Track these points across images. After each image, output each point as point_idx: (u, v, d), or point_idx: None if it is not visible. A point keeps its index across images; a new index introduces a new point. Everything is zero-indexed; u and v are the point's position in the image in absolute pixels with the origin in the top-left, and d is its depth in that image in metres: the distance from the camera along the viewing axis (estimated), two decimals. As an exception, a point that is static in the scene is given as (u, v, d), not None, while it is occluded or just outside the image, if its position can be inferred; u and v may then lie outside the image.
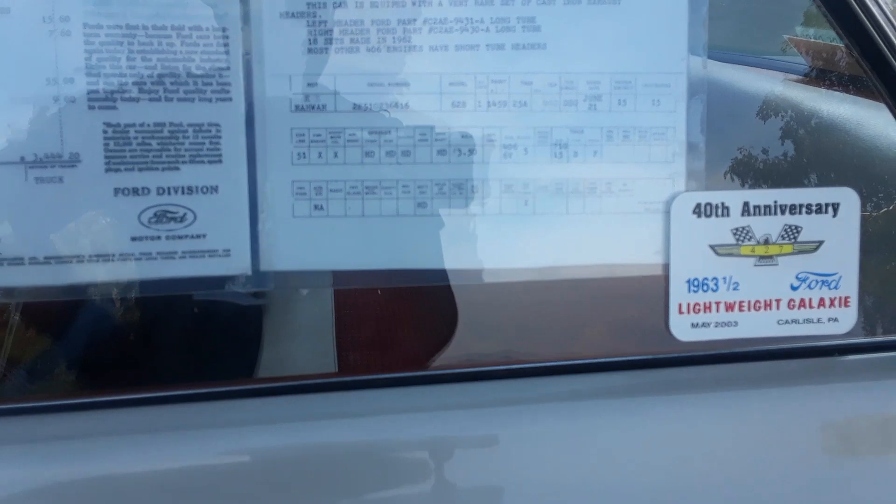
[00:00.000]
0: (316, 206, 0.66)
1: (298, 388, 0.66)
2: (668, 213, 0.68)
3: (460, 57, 0.65)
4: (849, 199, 0.69)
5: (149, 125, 0.63)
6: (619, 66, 0.66)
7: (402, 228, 0.66)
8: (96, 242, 0.63)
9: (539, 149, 0.67)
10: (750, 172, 0.72)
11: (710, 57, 0.67)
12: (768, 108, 0.78)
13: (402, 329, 0.83)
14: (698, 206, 0.68)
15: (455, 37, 0.65)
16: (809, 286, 0.70)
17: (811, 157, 0.71)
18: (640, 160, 0.67)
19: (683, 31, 0.66)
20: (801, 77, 0.97)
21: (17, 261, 0.62)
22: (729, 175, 0.72)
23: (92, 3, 0.61)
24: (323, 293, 0.77)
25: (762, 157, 0.74)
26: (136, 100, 0.62)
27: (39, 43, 0.60)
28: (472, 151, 0.66)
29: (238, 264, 0.65)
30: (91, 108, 0.62)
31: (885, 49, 0.67)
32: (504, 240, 0.67)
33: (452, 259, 0.67)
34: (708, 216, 0.68)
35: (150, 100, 0.62)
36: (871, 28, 0.66)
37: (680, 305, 0.69)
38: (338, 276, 0.67)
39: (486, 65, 0.65)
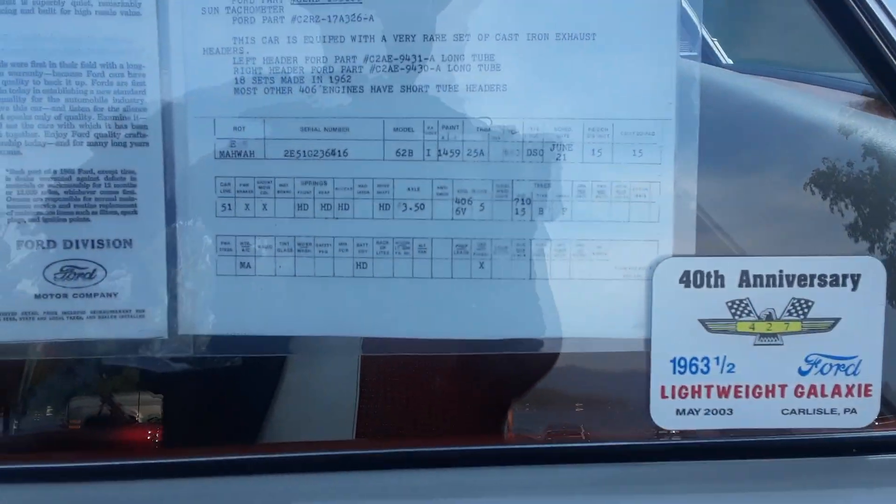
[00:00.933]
0: (242, 264, 0.58)
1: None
2: (650, 280, 0.58)
3: (407, 99, 0.57)
4: (873, 269, 0.58)
5: (56, 172, 0.56)
6: (592, 110, 0.57)
7: (339, 291, 0.58)
8: (-3, 300, 0.57)
9: (498, 204, 0.57)
10: (750, 234, 0.61)
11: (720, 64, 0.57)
12: (782, 149, 0.66)
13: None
14: (687, 273, 0.58)
15: (401, 76, 0.56)
16: (822, 371, 0.59)
17: (828, 216, 0.60)
18: (617, 219, 0.58)
19: (671, 70, 0.56)
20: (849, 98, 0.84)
21: (-89, 319, 0.57)
22: (724, 237, 0.61)
23: (-6, 38, 0.55)
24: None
25: (766, 216, 0.63)
26: (42, 144, 0.56)
27: (-65, 81, 0.55)
28: (419, 206, 0.58)
29: (153, 327, 0.58)
30: (-8, 153, 0.56)
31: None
32: (456, 308, 0.58)
33: (394, 327, 0.59)
34: (698, 286, 0.58)
35: (58, 144, 0.56)
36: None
37: (663, 388, 0.59)
38: (265, 342, 0.59)
39: (436, 108, 0.57)
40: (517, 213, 0.58)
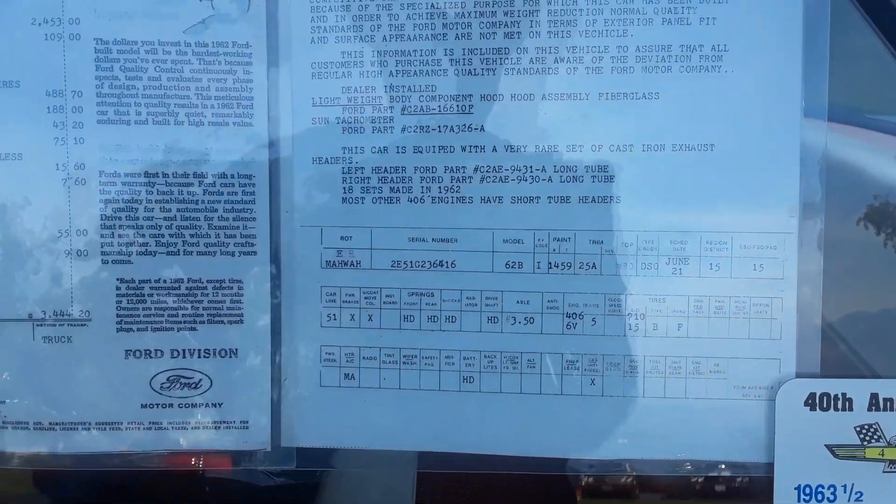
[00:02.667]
0: (346, 375, 0.57)
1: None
2: (772, 402, 0.55)
3: (517, 210, 0.55)
4: None
5: (165, 281, 0.56)
6: (711, 223, 0.54)
7: (445, 405, 0.57)
8: (104, 409, 0.57)
9: (610, 319, 0.55)
10: (881, 353, 0.58)
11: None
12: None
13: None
14: (812, 396, 0.55)
15: (511, 187, 0.55)
16: (959, 501, 0.54)
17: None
18: (737, 336, 0.55)
19: (794, 181, 0.54)
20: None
21: (21, 425, 0.57)
22: (852, 356, 0.58)
23: (109, 150, 0.55)
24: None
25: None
26: (153, 254, 0.56)
27: (52, 191, 0.56)
28: (529, 320, 0.56)
29: (256, 438, 0.57)
30: (104, 262, 0.56)
31: None
32: (566, 426, 0.56)
33: (500, 443, 0.57)
34: (825, 409, 0.55)
35: (168, 253, 0.56)
36: None
37: (786, 517, 0.55)
38: (370, 456, 0.58)
39: (547, 220, 0.55)
40: (630, 329, 0.55)
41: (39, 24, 0.55)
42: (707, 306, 0.55)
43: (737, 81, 0.53)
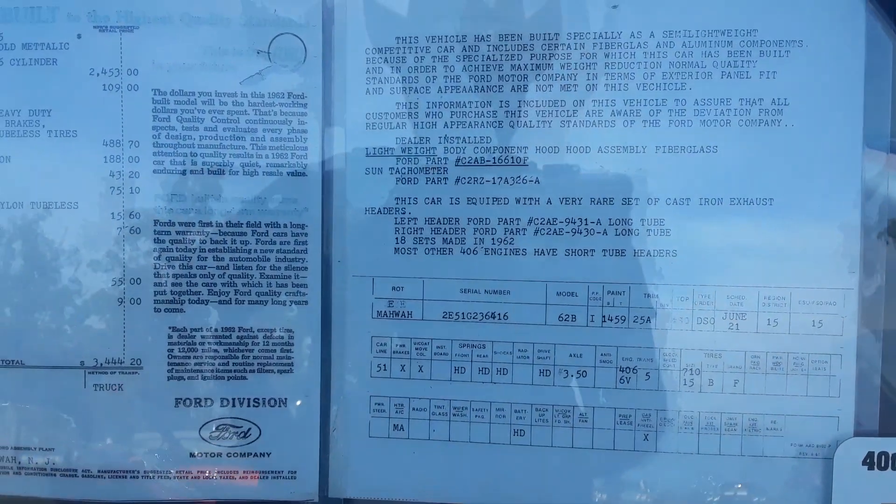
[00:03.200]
0: (395, 426, 0.57)
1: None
2: (830, 460, 0.54)
3: (571, 263, 0.55)
4: None
5: (217, 330, 0.56)
6: (769, 278, 0.54)
7: (495, 458, 0.56)
8: (154, 457, 0.57)
9: (665, 374, 0.55)
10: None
11: None
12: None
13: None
14: (871, 455, 0.53)
15: (566, 239, 0.55)
16: None
17: None
18: (794, 393, 0.54)
19: (855, 236, 0.53)
20: None
21: (69, 473, 0.57)
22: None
23: (164, 199, 0.56)
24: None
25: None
26: (205, 302, 0.56)
27: (107, 240, 0.56)
28: (581, 373, 0.55)
29: (304, 489, 0.57)
30: (157, 310, 0.56)
31: None
32: (618, 481, 0.55)
33: (552, 498, 0.56)
34: (883, 468, 0.53)
35: (220, 302, 0.56)
36: None
37: (845, 578, 0.54)
38: (417, 509, 0.57)
39: (601, 273, 0.55)
40: (685, 384, 0.55)
41: (98, 75, 0.56)
42: (764, 362, 0.54)
43: (797, 136, 0.53)
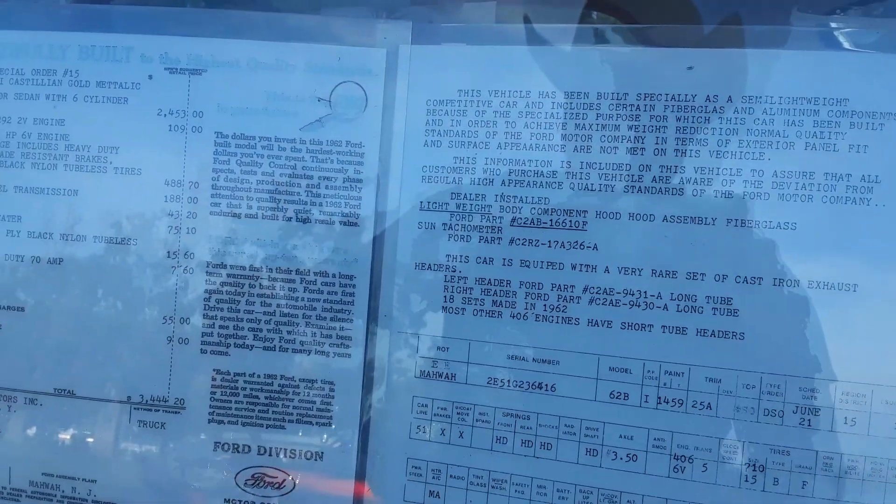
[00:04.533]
0: (431, 493, 0.54)
1: None
2: (911, 582, 0.48)
3: (627, 337, 0.51)
4: None
5: (259, 376, 0.56)
6: (848, 372, 0.48)
7: (533, 538, 0.53)
8: (189, 498, 0.57)
9: (724, 467, 0.50)
10: None
11: None
12: None
13: None
14: (961, 583, 0.47)
15: (622, 311, 0.51)
16: None
17: None
18: (872, 499, 0.48)
19: (953, 333, 0.47)
20: None
21: (109, 505, 0.58)
22: None
23: (218, 241, 0.56)
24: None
25: None
26: (250, 347, 0.56)
27: (160, 278, 0.56)
28: (631, 457, 0.51)
29: (334, 547, 0.55)
30: (203, 351, 0.56)
31: None
32: (664, 578, 0.51)
33: (592, 591, 0.52)
34: None
35: (265, 349, 0.56)
36: None
37: None
38: (448, 582, 0.54)
39: (659, 351, 0.51)
40: (746, 481, 0.50)
41: (165, 116, 0.57)
42: (838, 465, 0.49)
43: (888, 217, 0.48)
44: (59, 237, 0.57)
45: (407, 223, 0.55)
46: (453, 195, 0.54)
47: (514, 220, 0.53)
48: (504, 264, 0.53)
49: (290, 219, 0.56)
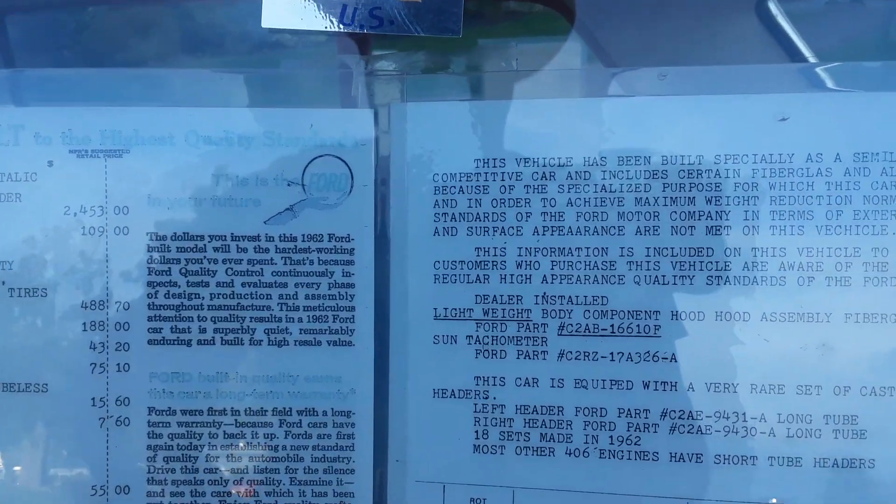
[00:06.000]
0: None
1: None
2: None
3: (723, 475, 0.39)
4: None
5: (231, 557, 0.41)
6: None
7: None
8: None
9: None
10: None
11: None
12: None
13: None
14: None
15: (715, 441, 0.39)
16: None
17: None
18: None
19: None
20: None
21: None
22: None
23: (163, 379, 0.41)
24: None
25: None
26: None
27: (86, 433, 0.41)
28: None
29: None
30: (151, 530, 0.41)
31: None
32: None
33: None
34: None
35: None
36: None
37: None
38: None
39: (768, 489, 0.39)
40: None
41: (74, 215, 0.42)
42: None
43: None
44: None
45: (419, 338, 0.41)
46: (479, 298, 0.41)
47: (562, 326, 0.40)
48: (553, 386, 0.40)
49: (259, 342, 0.41)
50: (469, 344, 0.41)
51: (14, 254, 0.42)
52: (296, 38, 0.62)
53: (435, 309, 0.41)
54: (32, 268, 0.42)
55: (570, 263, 0.40)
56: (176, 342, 0.42)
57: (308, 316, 0.42)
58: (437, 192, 0.42)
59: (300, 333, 0.42)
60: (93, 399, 0.42)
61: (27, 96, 0.43)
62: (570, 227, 0.40)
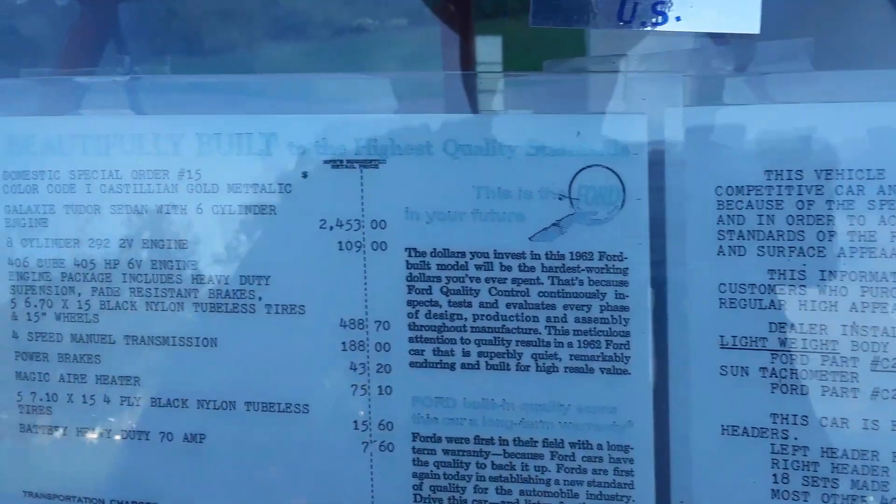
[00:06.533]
0: None
1: None
2: None
3: None
4: None
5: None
6: None
7: None
8: None
9: None
10: None
11: None
12: None
13: None
14: None
15: None
16: None
17: None
18: None
19: None
20: None
21: None
22: None
23: (424, 404, 0.39)
24: None
25: None
26: (481, 552, 0.39)
27: (350, 460, 0.40)
28: None
29: None
30: (413, 560, 0.40)
31: None
32: None
33: None
34: None
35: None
36: None
37: None
38: None
39: None
40: None
41: (331, 229, 0.40)
42: None
43: None
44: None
45: (702, 367, 0.38)
46: (773, 326, 0.37)
47: (875, 361, 0.36)
48: (865, 427, 0.36)
49: (526, 367, 0.39)
50: (764, 377, 0.37)
51: (270, 269, 0.41)
52: (377, 22, 0.59)
53: (721, 336, 0.38)
54: (290, 284, 0.41)
55: (884, 290, 0.35)
56: (439, 365, 0.39)
57: (579, 341, 0.38)
58: (720, 206, 0.37)
59: (570, 360, 0.39)
60: (355, 422, 0.40)
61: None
62: (882, 250, 0.35)
